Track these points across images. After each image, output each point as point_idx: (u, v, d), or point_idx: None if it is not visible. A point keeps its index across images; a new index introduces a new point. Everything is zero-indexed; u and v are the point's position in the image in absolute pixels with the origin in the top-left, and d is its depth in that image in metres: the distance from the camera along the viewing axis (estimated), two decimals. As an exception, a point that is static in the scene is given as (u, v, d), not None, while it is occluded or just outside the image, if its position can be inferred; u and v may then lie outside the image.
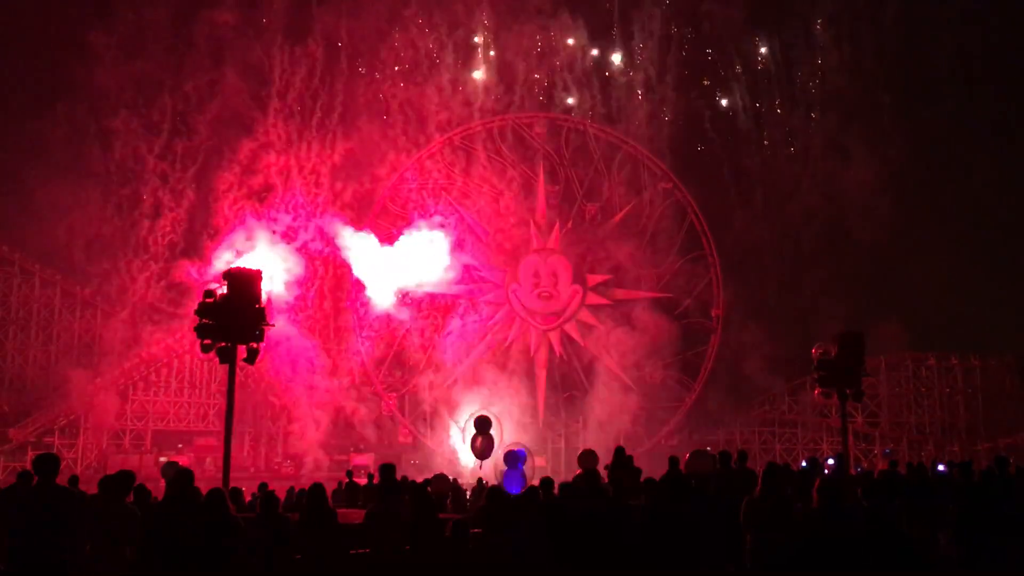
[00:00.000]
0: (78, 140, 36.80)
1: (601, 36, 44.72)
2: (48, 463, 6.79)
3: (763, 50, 45.87)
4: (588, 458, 13.40)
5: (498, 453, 27.57)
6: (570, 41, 43.76)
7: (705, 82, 46.42)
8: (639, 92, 43.91)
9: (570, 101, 44.12)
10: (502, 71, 43.14)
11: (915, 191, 41.76)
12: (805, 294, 39.67)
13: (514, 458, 17.01)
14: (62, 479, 7.36)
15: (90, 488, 9.32)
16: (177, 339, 38.73)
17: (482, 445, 15.37)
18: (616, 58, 45.24)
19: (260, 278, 16.49)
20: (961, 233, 42.70)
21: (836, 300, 37.02)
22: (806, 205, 41.76)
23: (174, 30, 38.63)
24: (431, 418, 41.90)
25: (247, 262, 24.81)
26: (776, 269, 41.77)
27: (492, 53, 43.36)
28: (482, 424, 16.75)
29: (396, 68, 42.42)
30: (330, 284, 42.88)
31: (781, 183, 43.26)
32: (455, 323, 41.68)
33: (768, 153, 45.34)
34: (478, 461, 28.26)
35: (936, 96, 44.90)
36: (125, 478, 7.09)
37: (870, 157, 40.13)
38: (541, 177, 43.76)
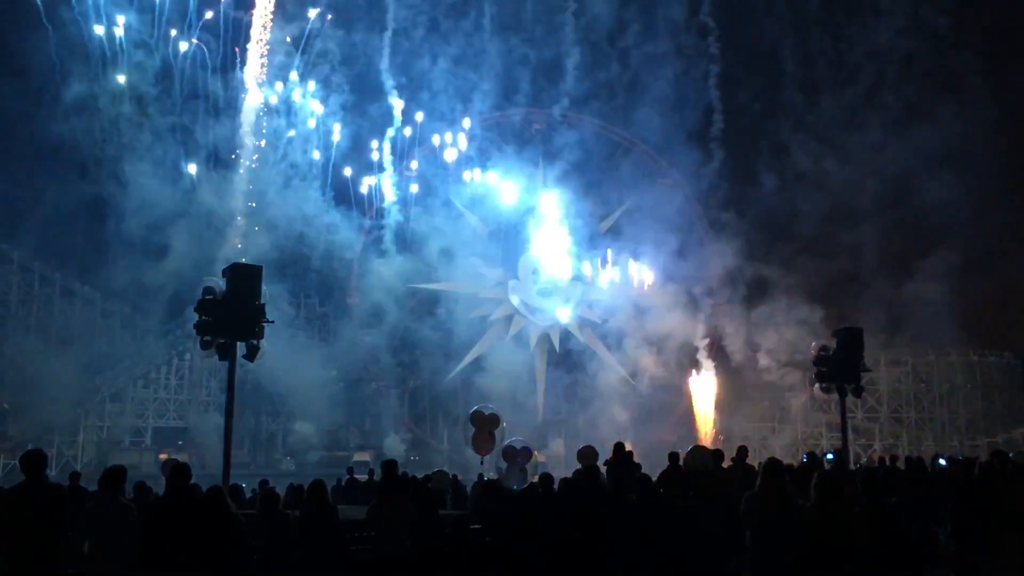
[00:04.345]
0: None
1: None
2: (34, 459, 6.66)
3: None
4: (588, 454, 13.44)
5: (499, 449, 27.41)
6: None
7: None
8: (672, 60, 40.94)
9: (581, 92, 42.39)
10: (507, 63, 41.97)
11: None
12: (812, 290, 39.28)
13: (515, 454, 17.02)
14: (61, 477, 7.32)
15: (91, 485, 9.33)
16: (177, 335, 38.75)
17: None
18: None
19: (260, 274, 16.41)
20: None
21: (843, 298, 36.53)
22: (828, 189, 39.81)
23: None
24: (432, 415, 41.93)
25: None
26: (791, 260, 40.23)
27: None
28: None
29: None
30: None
31: (824, 159, 40.60)
32: (458, 318, 41.62)
33: (815, 124, 41.24)
34: (479, 457, 28.18)
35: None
36: (116, 473, 7.01)
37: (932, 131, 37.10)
38: (543, 171, 43.63)
